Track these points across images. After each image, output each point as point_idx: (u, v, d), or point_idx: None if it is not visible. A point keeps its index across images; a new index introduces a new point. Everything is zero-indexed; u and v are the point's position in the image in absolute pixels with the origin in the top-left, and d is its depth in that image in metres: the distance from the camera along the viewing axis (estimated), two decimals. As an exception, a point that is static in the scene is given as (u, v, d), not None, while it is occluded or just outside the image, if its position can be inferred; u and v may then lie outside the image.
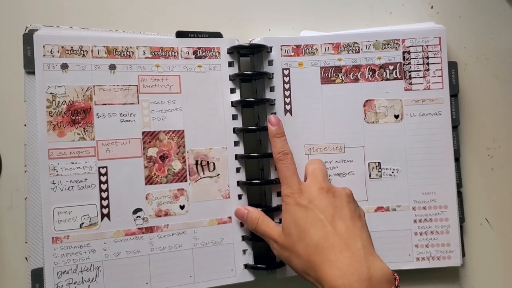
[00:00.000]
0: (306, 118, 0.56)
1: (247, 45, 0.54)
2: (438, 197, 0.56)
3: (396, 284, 0.42)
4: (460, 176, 0.58)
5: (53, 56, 0.50)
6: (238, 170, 0.54)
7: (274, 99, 0.55)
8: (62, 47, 0.50)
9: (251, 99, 0.54)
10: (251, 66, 0.57)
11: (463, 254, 0.57)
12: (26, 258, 0.49)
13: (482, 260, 0.59)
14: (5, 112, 0.53)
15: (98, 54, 0.51)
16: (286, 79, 0.56)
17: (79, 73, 0.50)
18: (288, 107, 0.55)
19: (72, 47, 0.50)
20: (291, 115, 0.55)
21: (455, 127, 0.57)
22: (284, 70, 0.55)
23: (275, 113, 0.55)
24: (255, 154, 0.54)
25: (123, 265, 0.50)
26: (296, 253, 0.46)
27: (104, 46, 0.51)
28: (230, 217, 0.54)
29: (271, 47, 0.55)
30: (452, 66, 0.58)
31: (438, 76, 0.57)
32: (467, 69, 0.61)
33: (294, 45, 0.56)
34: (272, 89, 0.55)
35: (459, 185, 0.57)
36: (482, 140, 0.60)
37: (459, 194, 0.57)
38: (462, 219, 0.57)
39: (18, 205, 0.52)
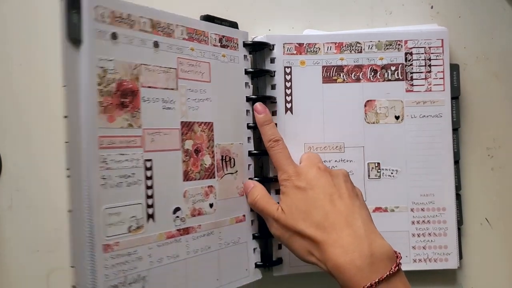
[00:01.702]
0: (306, 117, 0.56)
1: (250, 42, 0.54)
2: (436, 199, 0.56)
3: (398, 261, 0.43)
4: (459, 179, 0.58)
5: (103, 21, 0.41)
6: (248, 167, 0.54)
7: (275, 97, 0.55)
8: (112, 12, 0.41)
9: (253, 96, 0.54)
10: (253, 64, 0.57)
11: (461, 257, 0.57)
12: (74, 286, 0.40)
13: (482, 260, 0.59)
14: (5, 110, 0.53)
15: (144, 27, 0.44)
16: (288, 77, 0.55)
17: (128, 46, 0.43)
18: (289, 106, 0.55)
19: (121, 14, 0.42)
20: (292, 113, 0.55)
21: (456, 129, 0.57)
22: (286, 68, 0.55)
23: (275, 110, 0.55)
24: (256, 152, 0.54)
25: (165, 273, 0.44)
26: (298, 234, 0.46)
27: (149, 19, 0.44)
28: (244, 215, 0.52)
29: (273, 45, 0.55)
30: (454, 68, 0.57)
31: (440, 78, 0.57)
32: (467, 69, 0.61)
33: (297, 43, 0.56)
34: (273, 87, 0.55)
35: (458, 187, 0.58)
36: (482, 140, 0.60)
37: (458, 197, 0.57)
38: (460, 222, 0.57)
39: (18, 205, 0.52)
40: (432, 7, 0.61)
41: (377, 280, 0.40)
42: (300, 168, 0.50)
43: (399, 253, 0.44)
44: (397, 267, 0.42)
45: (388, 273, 0.41)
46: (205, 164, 0.49)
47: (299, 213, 0.46)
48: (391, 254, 0.43)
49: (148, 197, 0.43)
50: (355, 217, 0.45)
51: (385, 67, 0.56)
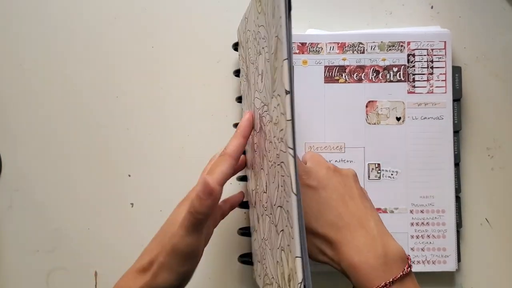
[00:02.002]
0: (307, 116, 0.56)
1: (252, 41, 0.54)
2: (436, 201, 0.56)
3: (409, 263, 0.43)
4: (459, 181, 0.58)
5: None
6: None
7: (277, 97, 0.55)
8: None
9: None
10: (255, 63, 0.57)
11: (459, 259, 0.57)
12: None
13: (481, 263, 0.60)
14: (5, 110, 0.52)
15: None
16: (290, 77, 0.55)
17: None
18: (290, 105, 0.55)
19: None
20: (293, 113, 0.55)
21: (456, 131, 0.57)
22: (288, 68, 0.55)
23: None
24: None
25: None
26: (310, 232, 0.46)
27: None
28: None
29: (276, 44, 0.55)
30: (456, 70, 0.57)
31: (442, 81, 0.57)
32: (467, 69, 0.60)
33: (299, 42, 0.55)
34: (275, 87, 0.55)
35: (458, 190, 0.58)
36: (482, 140, 0.60)
37: (458, 199, 0.58)
38: (459, 224, 0.58)
39: (18, 205, 0.52)
40: (432, 7, 0.61)
41: (391, 280, 0.41)
42: (308, 167, 0.49)
43: (409, 254, 0.45)
44: (409, 268, 0.43)
45: (401, 273, 0.42)
46: None
47: (311, 212, 0.46)
48: (403, 255, 0.43)
49: None
50: (367, 218, 0.45)
51: (387, 68, 0.56)
